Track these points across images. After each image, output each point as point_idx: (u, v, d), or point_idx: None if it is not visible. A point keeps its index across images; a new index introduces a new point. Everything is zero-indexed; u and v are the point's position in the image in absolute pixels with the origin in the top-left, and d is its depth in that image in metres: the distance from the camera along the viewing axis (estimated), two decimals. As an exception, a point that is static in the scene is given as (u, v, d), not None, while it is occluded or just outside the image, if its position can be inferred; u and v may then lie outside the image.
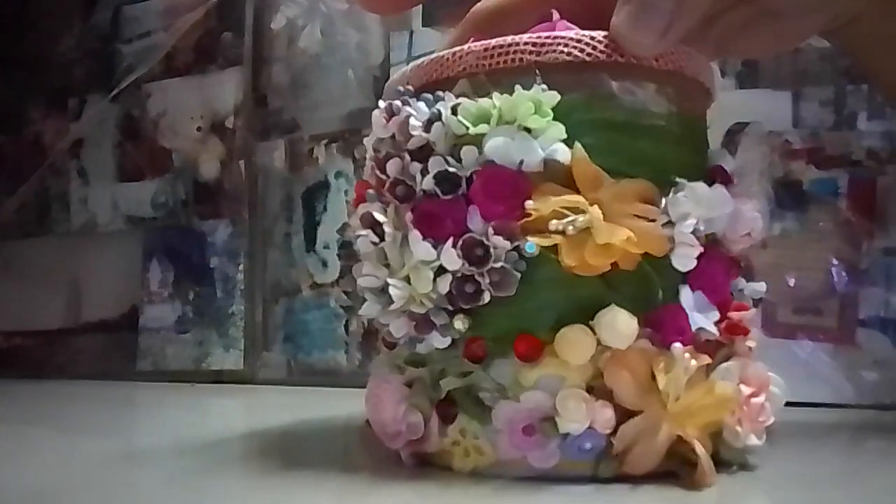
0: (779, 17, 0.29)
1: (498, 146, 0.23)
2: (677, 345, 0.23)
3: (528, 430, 0.23)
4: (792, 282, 0.46)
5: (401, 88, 0.26)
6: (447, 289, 0.23)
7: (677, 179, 0.24)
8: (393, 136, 0.25)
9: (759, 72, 0.48)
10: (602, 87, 0.24)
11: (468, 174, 0.24)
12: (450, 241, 0.23)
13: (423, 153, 0.24)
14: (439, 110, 0.24)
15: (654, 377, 0.23)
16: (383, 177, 0.25)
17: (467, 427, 0.24)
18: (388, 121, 0.25)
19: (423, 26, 0.58)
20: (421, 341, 0.25)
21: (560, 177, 0.23)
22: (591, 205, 0.23)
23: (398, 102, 0.25)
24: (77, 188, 0.74)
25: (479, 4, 0.31)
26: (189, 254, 0.67)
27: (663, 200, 0.24)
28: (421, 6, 0.59)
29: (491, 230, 0.23)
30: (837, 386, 0.44)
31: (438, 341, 0.24)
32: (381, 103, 0.26)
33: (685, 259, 0.24)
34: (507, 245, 0.23)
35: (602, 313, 0.23)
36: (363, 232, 0.25)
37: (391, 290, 0.24)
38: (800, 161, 0.46)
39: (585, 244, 0.23)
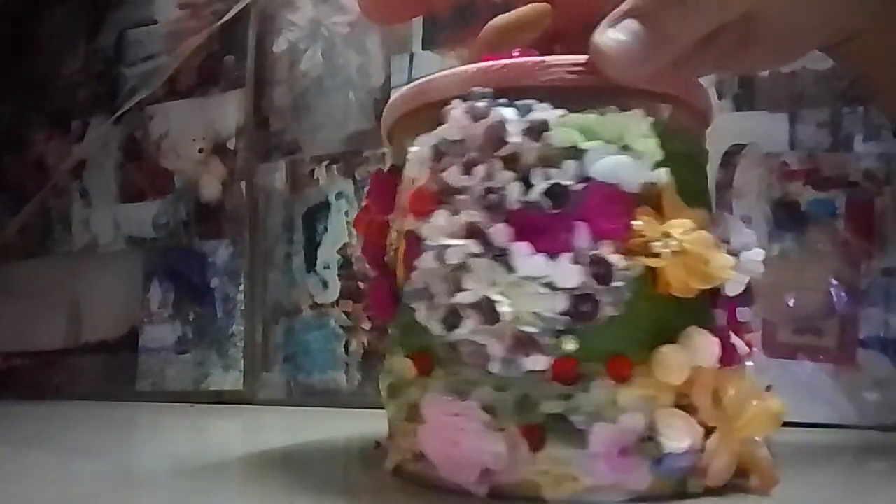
0: (772, 40, 0.29)
1: (609, 164, 0.23)
2: (749, 363, 0.26)
3: (624, 451, 0.23)
4: (791, 302, 0.46)
5: (479, 90, 0.24)
6: (564, 307, 0.22)
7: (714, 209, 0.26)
8: (467, 140, 0.24)
9: (756, 94, 0.48)
10: (656, 113, 0.25)
11: (579, 189, 0.23)
12: (566, 257, 0.22)
13: (516, 162, 0.23)
14: (545, 120, 0.23)
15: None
16: (458, 183, 0.23)
17: (559, 453, 0.23)
18: (474, 122, 0.23)
19: (423, 49, 0.59)
20: (513, 363, 0.22)
21: (651, 200, 0.24)
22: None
23: (483, 104, 0.23)
24: (79, 209, 0.74)
25: (491, 21, 0.32)
26: (190, 274, 0.67)
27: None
28: (421, 30, 0.59)
29: (607, 248, 0.23)
30: (839, 406, 0.44)
31: (539, 363, 0.22)
32: (459, 103, 0.24)
33: (737, 285, 0.25)
34: (624, 264, 0.23)
35: (689, 334, 0.24)
36: (458, 242, 0.23)
37: (500, 307, 0.22)
38: (797, 182, 0.47)
39: (685, 267, 0.23)
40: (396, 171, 0.27)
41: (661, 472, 0.23)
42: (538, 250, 0.22)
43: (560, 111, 0.23)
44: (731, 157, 0.48)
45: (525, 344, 0.22)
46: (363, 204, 0.30)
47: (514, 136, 0.23)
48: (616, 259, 0.22)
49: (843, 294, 0.45)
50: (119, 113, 0.72)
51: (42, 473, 0.33)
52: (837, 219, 0.45)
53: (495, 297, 0.22)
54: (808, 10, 0.27)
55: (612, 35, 0.24)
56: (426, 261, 0.23)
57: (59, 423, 0.55)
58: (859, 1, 0.28)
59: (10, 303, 0.76)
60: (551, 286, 0.22)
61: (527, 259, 0.22)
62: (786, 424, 0.44)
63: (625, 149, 0.23)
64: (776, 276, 0.46)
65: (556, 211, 0.22)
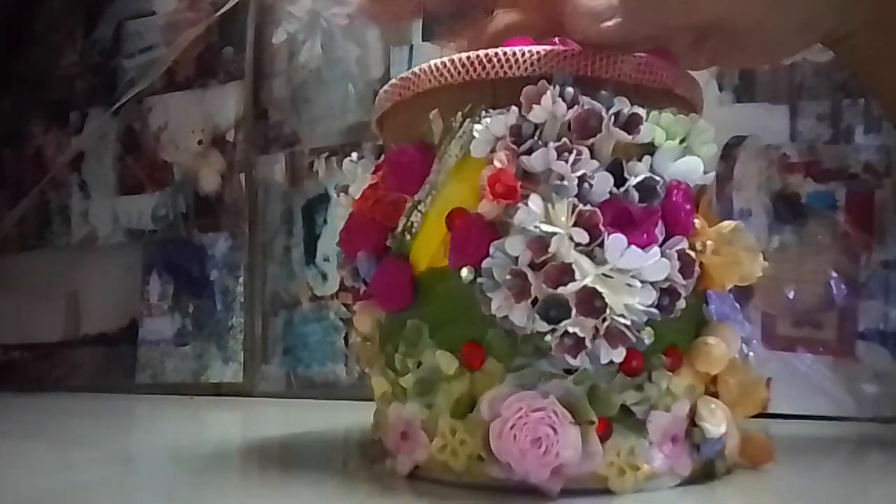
0: (760, 44, 0.29)
1: (686, 165, 0.24)
2: (752, 353, 0.28)
3: (675, 439, 0.25)
4: (791, 294, 0.46)
5: (560, 75, 0.24)
6: (652, 300, 0.22)
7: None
8: (551, 126, 0.23)
9: (756, 86, 0.48)
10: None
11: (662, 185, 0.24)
12: (655, 251, 0.22)
13: (599, 153, 0.23)
14: (638, 114, 0.23)
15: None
16: (547, 168, 0.23)
17: (624, 444, 0.24)
18: (566, 107, 0.23)
19: (422, 41, 0.58)
20: (597, 355, 0.22)
21: (697, 199, 0.25)
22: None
23: (571, 90, 0.23)
24: (78, 201, 0.74)
25: (492, 24, 0.32)
26: (189, 267, 0.67)
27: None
28: (421, 22, 0.59)
29: (686, 244, 0.24)
30: (838, 399, 0.44)
31: (620, 355, 0.22)
32: (545, 85, 0.23)
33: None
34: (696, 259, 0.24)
35: (719, 328, 0.26)
36: (559, 230, 0.22)
37: (605, 299, 0.22)
38: (797, 174, 0.47)
39: (723, 265, 0.25)
40: (426, 147, 0.26)
41: (700, 458, 0.25)
42: (629, 243, 0.22)
43: (639, 108, 0.24)
44: (731, 149, 0.48)
45: (615, 336, 0.22)
46: (369, 181, 0.28)
47: (609, 127, 0.23)
48: (694, 254, 0.24)
49: (842, 286, 0.45)
50: (117, 105, 0.72)
51: (42, 465, 0.33)
52: (837, 211, 0.45)
53: (601, 288, 0.22)
54: (785, 18, 0.27)
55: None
56: (514, 247, 0.22)
57: (58, 415, 0.55)
58: (845, 4, 0.28)
59: (8, 295, 0.76)
60: (641, 279, 0.22)
61: (623, 251, 0.22)
62: (785, 417, 0.45)
63: (687, 150, 0.25)
64: (775, 268, 0.46)
65: (643, 205, 0.23)
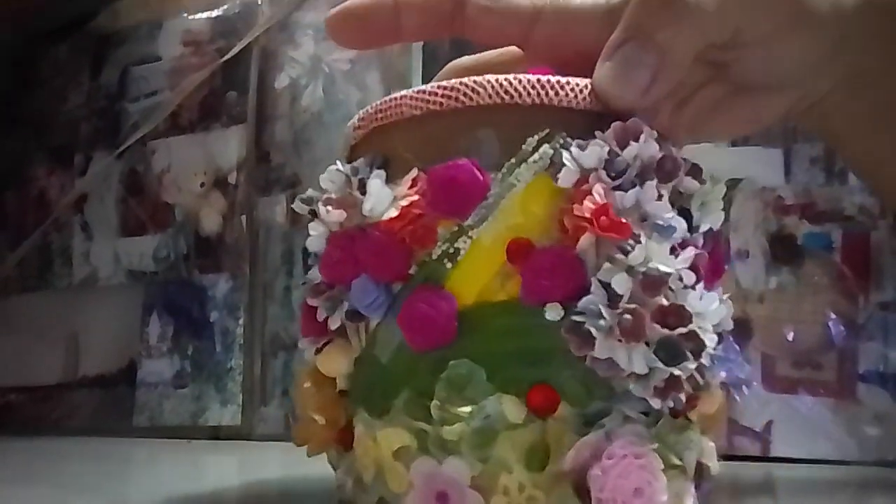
0: (750, 95, 0.29)
1: (720, 216, 0.26)
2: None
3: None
4: (790, 335, 0.46)
5: (641, 116, 0.24)
6: (716, 342, 0.23)
7: None
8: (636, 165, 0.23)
9: (751, 129, 0.49)
10: None
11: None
12: (715, 294, 0.24)
13: (671, 197, 0.24)
14: (699, 164, 0.25)
15: None
16: (651, 208, 0.22)
17: (673, 487, 0.23)
18: (650, 146, 0.23)
19: (422, 84, 0.59)
20: (677, 398, 0.22)
21: None
22: None
23: (655, 132, 0.23)
24: (80, 242, 0.74)
25: (455, 62, 0.32)
26: (189, 308, 0.67)
27: None
28: (421, 65, 0.60)
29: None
30: (839, 442, 0.43)
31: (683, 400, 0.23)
32: (642, 123, 0.23)
33: None
34: None
35: None
36: (677, 270, 0.22)
37: (706, 342, 0.22)
38: (793, 216, 0.47)
39: None
40: (479, 168, 0.24)
41: (703, 497, 0.25)
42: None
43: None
44: (727, 191, 0.48)
45: (691, 380, 0.22)
46: (404, 198, 0.24)
47: (683, 174, 0.24)
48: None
49: (841, 327, 0.45)
50: (122, 148, 0.73)
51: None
52: (834, 252, 0.46)
53: (704, 329, 0.22)
54: (789, 40, 0.27)
55: (606, 69, 0.24)
56: (621, 285, 0.21)
57: (55, 458, 0.54)
58: (830, 53, 0.28)
59: (8, 338, 0.76)
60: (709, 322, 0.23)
61: (705, 295, 0.22)
62: (786, 460, 0.44)
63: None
64: (774, 309, 0.46)
65: (707, 251, 0.24)
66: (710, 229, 0.25)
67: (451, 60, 0.34)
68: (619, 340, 0.21)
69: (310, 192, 0.28)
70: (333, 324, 0.26)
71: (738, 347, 0.46)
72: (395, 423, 0.24)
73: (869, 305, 0.45)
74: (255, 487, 0.38)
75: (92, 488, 0.40)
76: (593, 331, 0.21)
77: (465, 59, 0.32)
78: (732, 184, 0.48)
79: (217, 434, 0.63)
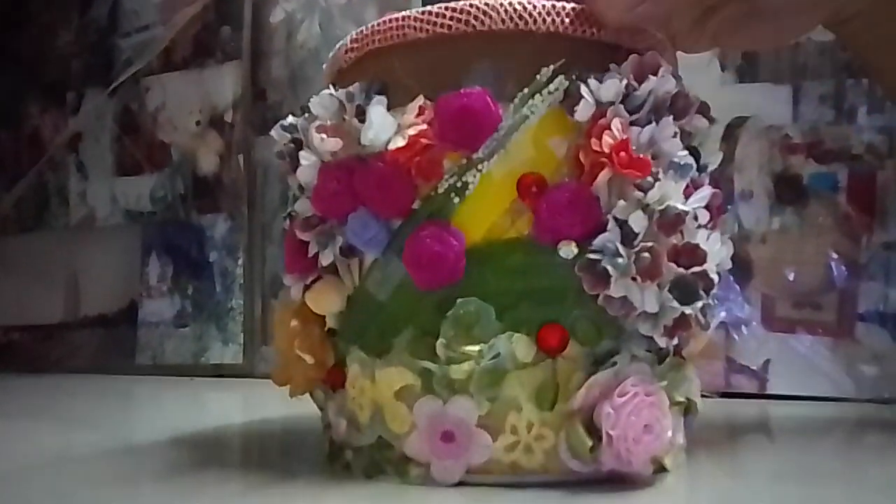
0: (773, 16, 0.28)
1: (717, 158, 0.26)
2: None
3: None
4: (791, 276, 0.46)
5: (659, 47, 0.24)
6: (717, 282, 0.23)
7: None
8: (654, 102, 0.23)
9: (759, 66, 0.47)
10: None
11: None
12: (717, 235, 0.24)
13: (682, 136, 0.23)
14: (707, 103, 0.24)
15: None
16: (668, 146, 0.22)
17: (678, 423, 0.25)
18: (663, 83, 0.22)
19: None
20: (685, 338, 0.24)
21: None
22: None
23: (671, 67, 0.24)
24: (75, 183, 0.73)
25: None
26: (188, 248, 0.67)
27: None
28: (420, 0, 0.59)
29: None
30: (837, 380, 0.44)
31: (703, 338, 0.24)
32: (659, 57, 0.23)
33: None
34: None
35: None
36: (698, 207, 0.22)
37: (715, 282, 0.23)
38: (799, 155, 0.46)
39: None
40: (492, 98, 0.22)
41: (688, 430, 0.25)
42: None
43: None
44: (732, 130, 0.47)
45: (705, 318, 0.22)
46: (411, 133, 0.22)
47: (693, 111, 0.23)
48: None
49: (842, 268, 0.45)
50: (114, 85, 0.71)
51: (42, 444, 0.33)
52: (839, 193, 0.45)
53: (712, 271, 0.22)
54: None
55: None
56: (637, 224, 0.21)
57: (58, 396, 0.55)
58: None
59: (7, 277, 0.76)
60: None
61: (711, 235, 0.22)
62: (784, 398, 0.45)
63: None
64: (776, 250, 0.46)
65: (715, 189, 0.23)
66: (712, 168, 0.25)
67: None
68: (634, 279, 0.21)
69: (291, 118, 0.26)
70: (325, 260, 0.24)
71: (738, 288, 0.46)
72: (397, 363, 0.23)
73: (872, 246, 0.44)
74: (257, 424, 0.39)
75: (96, 424, 0.41)
76: (610, 269, 0.21)
77: None
78: (738, 122, 0.47)
79: (219, 372, 0.63)
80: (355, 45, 0.25)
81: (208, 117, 0.67)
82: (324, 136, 0.24)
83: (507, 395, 0.22)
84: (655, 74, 0.22)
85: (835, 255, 0.45)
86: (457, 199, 0.22)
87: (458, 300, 0.22)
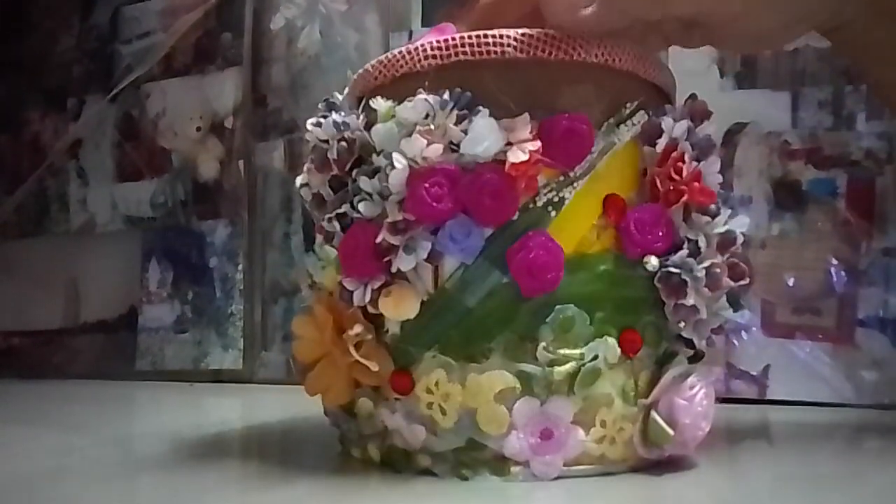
0: (737, 36, 0.29)
1: None
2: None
3: None
4: (791, 282, 0.46)
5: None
6: None
7: None
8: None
9: (758, 72, 0.48)
10: None
11: None
12: None
13: None
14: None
15: None
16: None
17: None
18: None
19: (422, 26, 0.58)
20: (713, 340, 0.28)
21: None
22: None
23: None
24: (76, 188, 0.74)
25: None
26: (188, 254, 0.67)
27: None
28: (421, 7, 0.59)
29: None
30: (836, 385, 0.44)
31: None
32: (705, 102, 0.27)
33: None
34: None
35: None
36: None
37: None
38: (798, 161, 0.46)
39: None
40: (589, 123, 0.24)
41: None
42: None
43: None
44: (732, 135, 0.47)
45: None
46: (531, 148, 0.23)
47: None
48: None
49: (842, 274, 0.45)
50: (115, 91, 0.71)
51: (42, 450, 0.33)
52: (838, 198, 0.45)
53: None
54: (768, 13, 0.27)
55: None
56: (704, 243, 0.26)
57: (58, 401, 0.55)
58: None
59: (7, 282, 0.76)
60: None
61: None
62: (784, 403, 0.45)
63: None
64: (775, 255, 0.46)
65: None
66: None
67: (450, 1, 0.33)
68: (702, 291, 0.25)
69: (336, 116, 0.26)
70: (404, 265, 0.24)
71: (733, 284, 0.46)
72: (497, 367, 0.24)
73: (871, 251, 0.44)
74: (257, 429, 0.39)
75: (96, 429, 0.40)
76: (688, 281, 0.25)
77: None
78: (737, 128, 0.47)
79: (218, 378, 0.63)
80: (439, 53, 0.25)
81: (209, 123, 0.67)
82: (426, 140, 0.24)
83: (601, 392, 0.24)
84: (707, 118, 0.26)
85: (834, 261, 0.45)
86: (553, 213, 0.24)
87: (557, 306, 0.24)
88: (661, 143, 0.25)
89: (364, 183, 0.25)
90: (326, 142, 0.27)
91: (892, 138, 0.45)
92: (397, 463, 0.26)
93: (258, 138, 0.65)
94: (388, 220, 0.24)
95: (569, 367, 0.24)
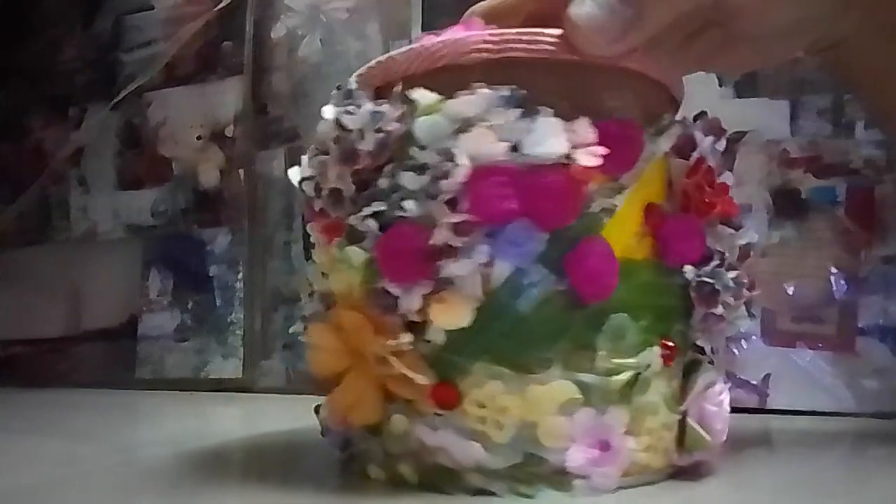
0: (753, 41, 0.29)
1: None
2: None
3: None
4: (791, 290, 0.46)
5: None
6: None
7: None
8: None
9: (758, 81, 0.48)
10: None
11: None
12: None
13: None
14: None
15: None
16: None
17: None
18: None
19: (422, 34, 0.58)
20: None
21: None
22: None
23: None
24: (77, 196, 0.74)
25: (476, 6, 0.32)
26: (189, 262, 0.67)
27: None
28: (421, 15, 0.59)
29: None
30: (837, 394, 0.44)
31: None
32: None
33: None
34: None
35: None
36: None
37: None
38: (798, 170, 0.46)
39: None
40: (635, 127, 0.24)
41: None
42: None
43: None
44: (731, 144, 0.47)
45: None
46: (599, 153, 0.23)
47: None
48: None
49: (842, 282, 0.45)
50: (117, 99, 0.72)
51: (43, 460, 0.33)
52: (838, 206, 0.45)
53: None
54: (786, 5, 0.27)
55: (587, 8, 0.24)
56: (729, 253, 0.26)
57: (60, 410, 0.55)
58: (840, 8, 0.28)
59: (9, 290, 0.76)
60: None
61: None
62: (785, 412, 0.45)
63: None
64: (776, 263, 0.46)
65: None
66: None
67: (451, 9, 0.33)
68: (730, 300, 0.26)
69: (370, 105, 0.24)
70: (461, 269, 0.22)
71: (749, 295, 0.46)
72: (557, 377, 0.23)
73: (871, 259, 0.44)
74: (257, 438, 0.39)
75: (98, 438, 0.40)
76: (721, 291, 0.25)
77: (488, 3, 0.31)
78: (737, 136, 0.47)
79: (219, 387, 0.63)
80: (489, 46, 0.24)
81: (210, 132, 0.67)
82: (492, 137, 0.22)
83: (650, 401, 0.24)
84: (723, 134, 0.27)
85: (834, 269, 0.45)
86: (605, 219, 0.24)
87: (611, 315, 0.24)
88: (694, 156, 0.26)
89: (409, 180, 0.23)
90: (350, 132, 0.24)
91: (891, 147, 0.45)
92: (441, 483, 0.24)
93: (259, 146, 0.65)
94: (448, 220, 0.22)
95: (624, 376, 0.23)
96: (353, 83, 0.26)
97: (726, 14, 0.27)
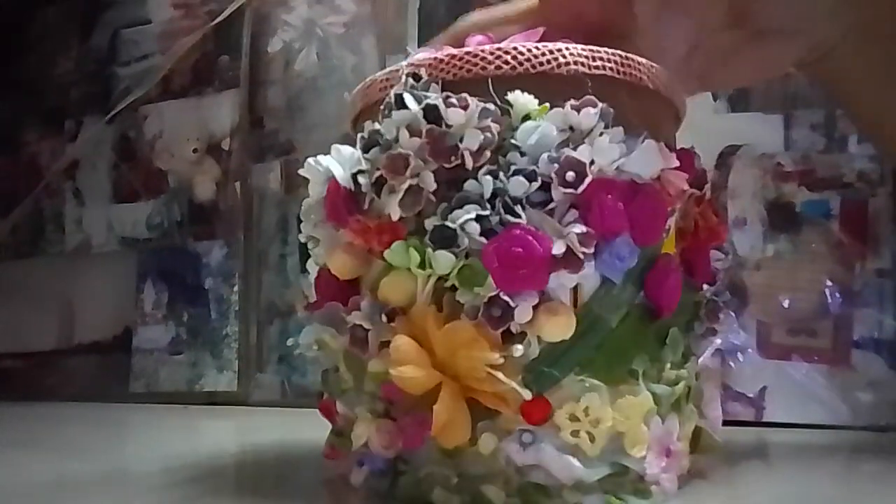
0: (761, 42, 0.29)
1: None
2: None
3: None
4: (786, 303, 0.46)
5: None
6: None
7: None
8: None
9: (751, 95, 0.48)
10: None
11: None
12: None
13: None
14: None
15: None
16: None
17: None
18: None
19: (418, 48, 0.58)
20: None
21: None
22: None
23: None
24: (72, 209, 0.74)
25: (469, 19, 0.32)
26: (183, 275, 0.67)
27: None
28: (417, 29, 0.59)
29: None
30: (833, 407, 0.44)
31: None
32: None
33: None
34: None
35: None
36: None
37: None
38: (792, 183, 0.47)
39: None
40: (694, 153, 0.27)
41: None
42: None
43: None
44: (725, 157, 0.48)
45: None
46: (682, 181, 0.24)
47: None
48: None
49: (837, 295, 0.45)
50: (113, 113, 0.72)
51: (36, 474, 0.33)
52: (831, 220, 0.46)
53: None
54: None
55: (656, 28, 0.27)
56: (721, 273, 0.29)
57: (52, 424, 0.54)
58: (834, 11, 0.28)
59: (2, 303, 0.76)
60: None
61: None
62: (780, 425, 0.45)
63: None
64: (770, 277, 0.46)
65: None
66: None
67: (447, 24, 0.33)
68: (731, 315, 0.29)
69: (478, 100, 0.22)
70: (571, 281, 0.22)
71: (733, 315, 0.46)
72: (643, 389, 0.24)
73: (865, 272, 0.45)
74: (252, 452, 0.39)
75: (90, 453, 0.40)
76: (723, 307, 0.28)
77: (477, 16, 0.32)
78: (731, 150, 0.48)
79: (213, 400, 0.63)
80: (585, 62, 0.24)
81: (206, 145, 0.67)
82: (615, 152, 0.22)
83: (691, 408, 0.27)
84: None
85: (829, 282, 0.45)
86: (665, 238, 0.25)
87: (672, 328, 0.25)
88: (707, 188, 0.28)
89: (518, 186, 0.22)
90: (450, 127, 0.22)
91: (884, 160, 0.45)
92: (532, 502, 0.23)
93: (255, 160, 0.65)
94: (572, 230, 0.22)
95: (681, 386, 0.25)
96: (423, 73, 0.24)
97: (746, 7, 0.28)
